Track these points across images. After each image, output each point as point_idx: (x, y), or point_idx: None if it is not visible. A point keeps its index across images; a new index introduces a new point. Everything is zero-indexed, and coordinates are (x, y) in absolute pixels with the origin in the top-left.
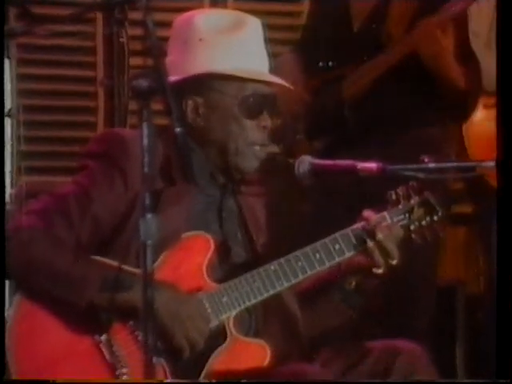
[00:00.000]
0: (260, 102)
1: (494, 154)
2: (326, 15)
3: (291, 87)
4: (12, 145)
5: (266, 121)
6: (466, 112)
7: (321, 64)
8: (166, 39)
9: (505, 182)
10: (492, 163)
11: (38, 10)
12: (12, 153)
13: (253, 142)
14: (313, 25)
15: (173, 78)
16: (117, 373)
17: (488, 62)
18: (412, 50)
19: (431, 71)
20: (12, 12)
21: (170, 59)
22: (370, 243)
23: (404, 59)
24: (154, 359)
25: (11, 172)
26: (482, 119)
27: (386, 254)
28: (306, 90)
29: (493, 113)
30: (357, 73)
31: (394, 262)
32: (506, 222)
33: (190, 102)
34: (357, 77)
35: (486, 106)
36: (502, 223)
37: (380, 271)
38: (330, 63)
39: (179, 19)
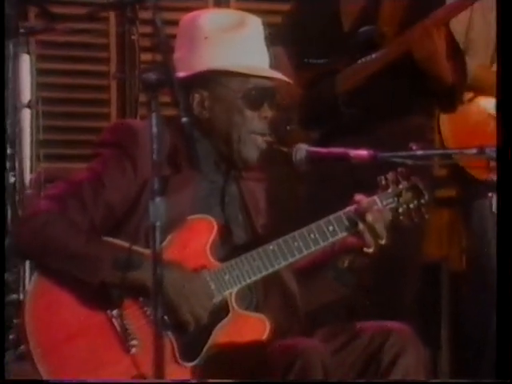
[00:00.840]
0: (261, 95)
1: (473, 142)
2: (315, 15)
3: (290, 81)
4: (31, 134)
5: (267, 112)
6: (453, 104)
7: (312, 61)
8: (173, 36)
9: (504, 173)
10: (473, 150)
11: (56, 9)
12: (31, 141)
13: (254, 131)
14: (302, 23)
15: (181, 74)
16: (127, 345)
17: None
18: (407, 49)
19: (424, 69)
20: (32, 11)
21: (177, 55)
22: (361, 225)
23: (398, 58)
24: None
25: (30, 159)
26: (461, 111)
27: (375, 234)
28: (300, 83)
29: (468, 106)
30: (351, 69)
31: (383, 242)
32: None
33: (196, 96)
34: (351, 72)
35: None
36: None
37: (370, 250)
38: (322, 60)
39: (185, 18)
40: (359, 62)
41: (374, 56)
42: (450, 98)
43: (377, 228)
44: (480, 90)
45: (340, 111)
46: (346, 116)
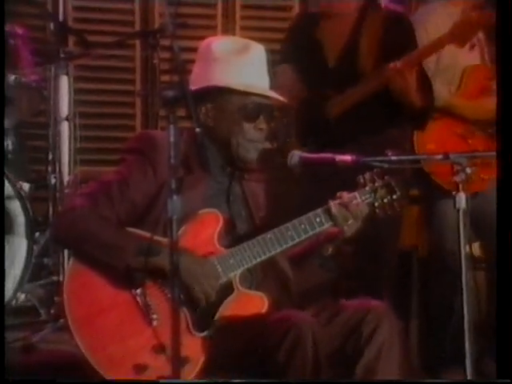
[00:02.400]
0: (257, 110)
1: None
2: (302, 52)
3: (284, 100)
4: (69, 142)
5: (262, 124)
6: (423, 123)
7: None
8: (188, 61)
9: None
10: (439, 157)
11: (90, 37)
12: (69, 149)
13: (251, 140)
14: (291, 58)
15: (192, 88)
16: (149, 318)
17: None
18: (384, 83)
19: (397, 98)
20: (71, 39)
21: (193, 73)
22: (341, 216)
23: (378, 89)
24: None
25: (68, 163)
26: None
27: (351, 223)
28: (295, 101)
29: (436, 123)
30: (340, 96)
31: (351, 222)
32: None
33: (203, 108)
34: (340, 99)
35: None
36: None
37: (348, 235)
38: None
39: (203, 42)
40: (347, 91)
41: (358, 87)
42: (420, 118)
43: (355, 219)
44: (451, 113)
45: (331, 127)
46: (337, 131)
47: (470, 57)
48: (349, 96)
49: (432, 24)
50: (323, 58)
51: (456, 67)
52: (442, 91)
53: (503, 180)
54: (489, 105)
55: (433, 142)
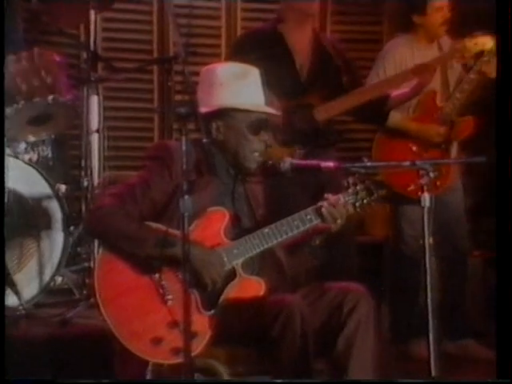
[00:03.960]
0: (259, 125)
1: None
2: (274, 66)
3: (279, 114)
4: (99, 151)
5: (264, 136)
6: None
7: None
8: (196, 83)
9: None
10: (407, 163)
11: (117, 63)
12: (99, 156)
13: (255, 150)
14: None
15: (203, 109)
16: (165, 298)
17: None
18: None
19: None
20: (100, 65)
21: (200, 96)
22: (328, 214)
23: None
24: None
25: (98, 169)
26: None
27: (335, 219)
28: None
29: (393, 142)
30: (326, 105)
31: (339, 221)
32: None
33: (214, 125)
34: (326, 108)
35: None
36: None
37: (334, 230)
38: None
39: (206, 68)
40: (332, 102)
41: (346, 97)
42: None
43: (338, 216)
44: (405, 134)
45: (318, 135)
46: (322, 138)
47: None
48: (336, 104)
49: (398, 54)
50: (296, 73)
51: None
52: (396, 115)
53: (499, 184)
54: (437, 129)
55: (390, 159)
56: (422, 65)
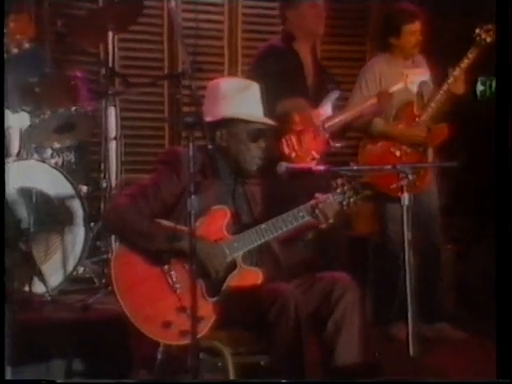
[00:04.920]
0: (258, 133)
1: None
2: (289, 82)
3: (275, 124)
4: (116, 156)
5: (262, 143)
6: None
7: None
8: (202, 96)
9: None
10: (389, 167)
11: (132, 79)
12: (116, 161)
13: (254, 156)
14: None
15: (208, 119)
16: (174, 287)
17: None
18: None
19: None
20: (117, 80)
21: (206, 107)
22: (319, 211)
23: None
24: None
25: (116, 172)
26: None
27: (325, 216)
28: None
29: (377, 146)
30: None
31: (331, 221)
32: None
33: (217, 133)
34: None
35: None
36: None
37: (323, 226)
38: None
39: (212, 83)
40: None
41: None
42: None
43: (328, 213)
44: (388, 138)
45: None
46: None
47: (405, 94)
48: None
49: (378, 70)
50: (303, 78)
51: (393, 104)
52: (380, 122)
53: (498, 183)
54: (417, 131)
55: (374, 162)
56: (385, 91)
